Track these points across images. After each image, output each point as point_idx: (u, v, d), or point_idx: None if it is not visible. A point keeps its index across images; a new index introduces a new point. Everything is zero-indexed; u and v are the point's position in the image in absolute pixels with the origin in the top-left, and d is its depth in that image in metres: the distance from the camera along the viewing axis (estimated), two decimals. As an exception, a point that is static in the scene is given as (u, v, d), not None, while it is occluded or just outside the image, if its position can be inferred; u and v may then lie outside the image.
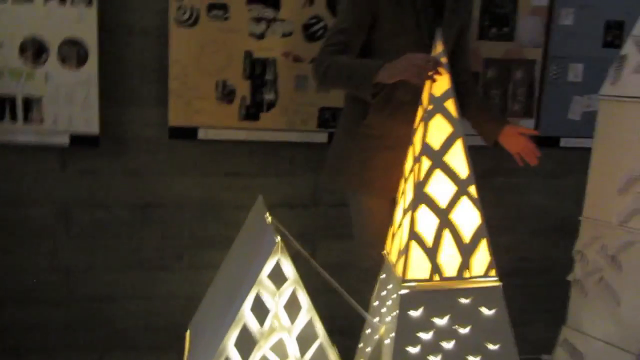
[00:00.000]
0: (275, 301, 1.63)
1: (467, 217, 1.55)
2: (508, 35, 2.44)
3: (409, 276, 1.52)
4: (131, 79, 2.23)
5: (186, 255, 2.42)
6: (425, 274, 1.53)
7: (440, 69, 1.59)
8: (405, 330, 1.46)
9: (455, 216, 1.54)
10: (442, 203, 1.54)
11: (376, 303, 1.84)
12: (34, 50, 2.07)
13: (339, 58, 1.81)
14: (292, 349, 1.66)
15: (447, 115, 1.56)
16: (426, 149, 1.54)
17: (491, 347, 1.47)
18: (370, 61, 1.81)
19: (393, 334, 1.49)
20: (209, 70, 2.20)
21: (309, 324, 1.66)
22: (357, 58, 1.87)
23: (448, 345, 1.46)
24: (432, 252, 1.55)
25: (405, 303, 1.47)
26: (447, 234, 1.54)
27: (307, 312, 1.66)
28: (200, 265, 2.43)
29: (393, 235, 1.75)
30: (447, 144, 1.56)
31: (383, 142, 1.96)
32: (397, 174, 1.84)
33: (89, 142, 2.18)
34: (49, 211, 2.29)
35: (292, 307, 1.65)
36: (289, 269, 1.63)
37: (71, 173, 2.27)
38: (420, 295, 1.48)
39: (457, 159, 1.56)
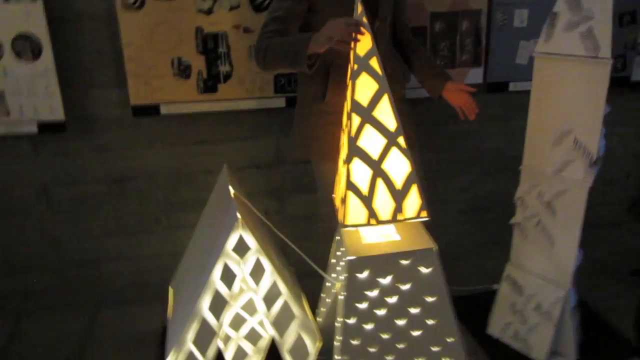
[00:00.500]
0: (241, 268, 1.83)
1: (398, 166, 1.68)
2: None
3: (348, 222, 1.67)
4: (89, 64, 2.29)
5: (163, 218, 2.61)
6: (363, 220, 1.69)
7: (363, 29, 1.64)
8: (354, 290, 1.65)
9: (386, 166, 1.67)
10: (374, 155, 1.66)
11: (333, 261, 2.05)
12: (-11, 47, 2.14)
13: (274, 40, 1.89)
14: (260, 306, 1.89)
15: (372, 73, 1.64)
16: (355, 106, 1.64)
17: (429, 299, 1.68)
18: (302, 34, 1.88)
19: (344, 293, 1.69)
20: (162, 49, 2.26)
21: (274, 286, 1.88)
22: None
23: (392, 300, 1.66)
24: (367, 200, 1.69)
25: (353, 267, 1.65)
26: (380, 183, 1.68)
27: (270, 275, 1.87)
28: (176, 226, 2.62)
29: (337, 185, 1.91)
30: (375, 100, 1.65)
31: (338, 117, 2.07)
32: None
33: (57, 128, 2.28)
34: (30, 192, 2.44)
35: (258, 271, 1.86)
36: (250, 240, 1.83)
37: (44, 157, 2.40)
38: (366, 260, 1.65)
39: (385, 113, 1.66)
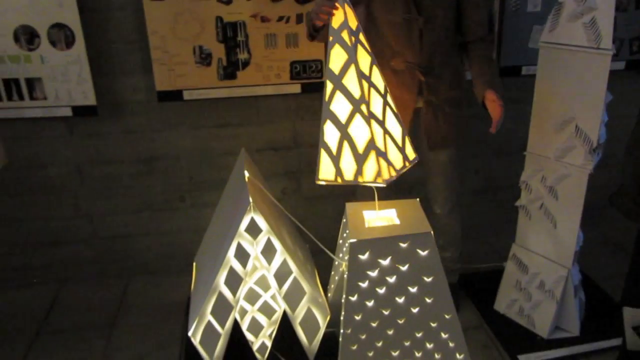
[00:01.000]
0: (254, 248, 1.99)
1: (361, 132, 1.79)
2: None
3: (320, 177, 1.82)
4: (117, 52, 2.44)
5: (187, 196, 2.78)
6: (332, 177, 1.84)
7: (336, 4, 1.76)
8: (356, 270, 1.77)
9: (351, 130, 1.79)
10: (342, 119, 1.80)
11: (340, 242, 2.19)
12: (27, 36, 2.30)
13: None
14: (272, 282, 2.05)
15: (343, 44, 1.76)
16: (330, 74, 1.78)
17: (426, 279, 1.79)
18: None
19: (347, 272, 1.83)
20: (185, 37, 2.39)
21: (284, 263, 2.03)
22: None
23: (391, 279, 1.78)
24: (336, 159, 1.83)
25: (355, 249, 1.76)
26: (346, 145, 1.81)
27: (280, 254, 2.02)
28: (200, 204, 2.79)
29: None
30: (344, 69, 1.77)
31: None
32: None
33: (89, 111, 2.46)
34: (65, 170, 2.63)
35: (270, 251, 2.01)
36: (262, 222, 1.97)
37: (78, 138, 2.57)
38: (367, 242, 1.77)
39: (352, 82, 1.78)
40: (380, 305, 1.78)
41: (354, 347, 1.81)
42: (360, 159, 1.79)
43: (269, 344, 2.13)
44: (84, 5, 2.32)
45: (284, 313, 2.08)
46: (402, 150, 1.88)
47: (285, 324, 2.10)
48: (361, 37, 1.80)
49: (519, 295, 2.41)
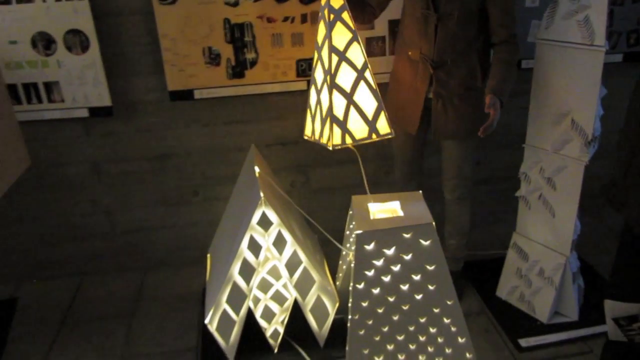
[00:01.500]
0: (265, 240, 2.10)
1: (324, 99, 2.00)
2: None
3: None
4: (130, 55, 2.54)
5: (201, 191, 2.88)
6: (310, 134, 2.10)
7: None
8: (362, 259, 1.87)
9: (322, 96, 2.02)
10: (318, 85, 2.03)
11: (347, 232, 2.29)
12: (44, 42, 2.40)
13: None
14: (284, 272, 2.16)
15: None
16: (315, 45, 2.01)
17: (429, 267, 1.89)
18: None
19: (354, 262, 1.93)
20: (194, 39, 2.49)
21: (294, 254, 2.14)
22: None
23: (396, 268, 1.89)
24: (313, 119, 2.08)
25: (361, 240, 1.87)
26: (318, 108, 2.05)
27: (290, 245, 2.13)
28: (212, 198, 2.90)
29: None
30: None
31: (393, 85, 2.45)
32: (408, 112, 2.34)
33: (105, 112, 2.57)
34: (83, 168, 2.75)
35: (280, 242, 2.12)
36: (272, 216, 2.08)
37: (95, 137, 2.69)
38: (373, 233, 1.88)
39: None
40: (385, 292, 1.89)
41: (362, 332, 1.92)
42: (322, 123, 2.01)
43: (281, 330, 2.25)
44: (97, 12, 2.42)
45: (295, 301, 2.20)
46: (370, 122, 2.04)
47: (296, 311, 2.22)
48: (344, 15, 1.97)
49: (519, 282, 2.51)
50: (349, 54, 1.98)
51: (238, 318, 2.15)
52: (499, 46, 2.21)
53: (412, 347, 1.96)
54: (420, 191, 2.05)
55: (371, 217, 1.94)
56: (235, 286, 2.11)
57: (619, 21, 2.78)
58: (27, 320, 2.61)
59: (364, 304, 1.90)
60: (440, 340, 1.96)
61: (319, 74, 2.03)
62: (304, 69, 2.61)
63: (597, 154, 2.18)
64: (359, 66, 1.99)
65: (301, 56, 2.59)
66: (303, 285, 2.17)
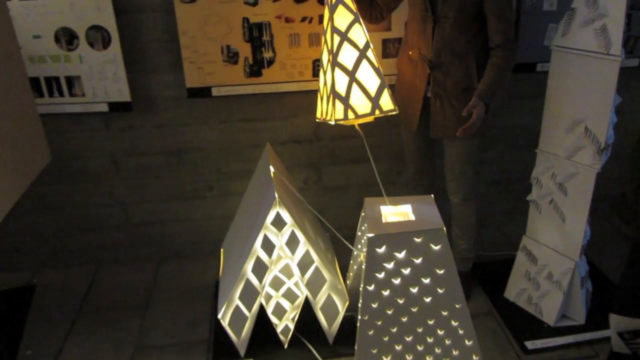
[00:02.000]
0: (279, 239, 2.14)
1: (328, 77, 2.07)
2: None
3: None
4: (149, 51, 2.58)
5: (215, 186, 2.93)
6: (320, 115, 2.18)
7: None
8: (373, 262, 1.91)
9: (327, 75, 2.09)
10: (324, 65, 2.12)
11: (359, 234, 2.33)
12: (67, 38, 2.45)
13: None
14: (295, 270, 2.20)
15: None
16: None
17: (438, 271, 1.93)
18: None
19: (365, 264, 1.97)
20: (213, 37, 2.52)
21: (307, 254, 2.18)
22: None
23: (406, 271, 1.92)
24: (322, 99, 2.14)
25: (373, 243, 1.90)
26: (324, 87, 2.12)
27: (303, 245, 2.17)
28: (227, 194, 2.95)
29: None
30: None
31: (397, 84, 2.51)
32: (409, 110, 2.40)
33: (124, 107, 2.62)
34: (101, 161, 2.80)
35: (293, 242, 2.16)
36: (286, 216, 2.12)
37: (114, 131, 2.74)
38: (384, 237, 1.91)
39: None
40: (395, 294, 1.93)
41: (371, 332, 1.96)
42: (327, 101, 2.09)
43: (291, 326, 2.30)
44: (119, 9, 2.46)
45: (306, 299, 2.24)
46: (373, 99, 2.09)
47: (307, 308, 2.27)
48: None
49: (528, 284, 2.54)
50: (350, 34, 2.05)
51: (250, 314, 2.20)
52: (494, 51, 2.22)
53: (420, 348, 2.00)
54: (432, 195, 2.08)
55: (383, 220, 1.97)
56: (248, 283, 2.16)
57: (637, 26, 2.77)
58: (45, 308, 2.68)
59: (374, 305, 1.94)
60: (447, 342, 2.00)
61: (325, 57, 2.11)
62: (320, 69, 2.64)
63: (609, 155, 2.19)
64: (361, 46, 2.06)
65: (318, 56, 2.61)
66: (314, 284, 2.21)
